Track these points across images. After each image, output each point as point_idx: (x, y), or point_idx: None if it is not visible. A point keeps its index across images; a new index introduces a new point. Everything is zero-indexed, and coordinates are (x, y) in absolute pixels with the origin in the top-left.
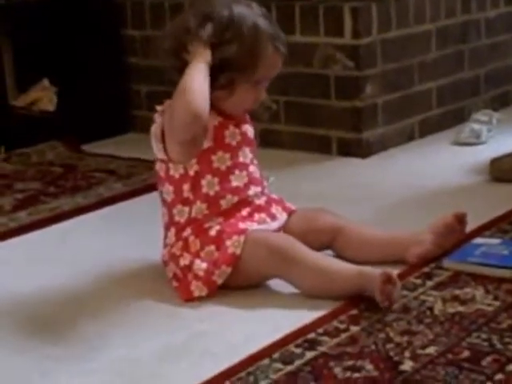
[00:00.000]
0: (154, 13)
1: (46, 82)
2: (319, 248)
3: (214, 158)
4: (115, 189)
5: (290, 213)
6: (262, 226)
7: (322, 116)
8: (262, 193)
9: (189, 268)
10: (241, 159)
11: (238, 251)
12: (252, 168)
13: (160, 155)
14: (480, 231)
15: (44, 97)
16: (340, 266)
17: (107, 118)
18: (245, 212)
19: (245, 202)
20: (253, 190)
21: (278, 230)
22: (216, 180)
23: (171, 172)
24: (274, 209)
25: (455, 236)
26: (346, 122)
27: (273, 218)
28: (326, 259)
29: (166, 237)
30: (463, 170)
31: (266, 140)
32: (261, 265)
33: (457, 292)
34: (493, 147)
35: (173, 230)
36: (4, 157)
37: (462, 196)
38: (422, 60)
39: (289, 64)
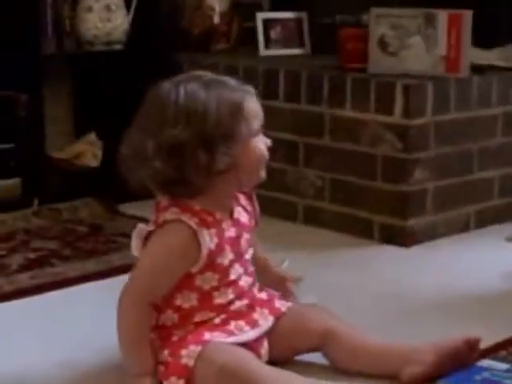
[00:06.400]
0: None
1: (92, 136)
2: (305, 351)
3: (198, 277)
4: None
5: (279, 315)
6: (232, 338)
7: (366, 198)
8: (250, 297)
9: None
10: (231, 277)
11: (192, 362)
12: (243, 281)
13: (137, 253)
14: (495, 350)
15: (88, 151)
16: None
17: None
18: (218, 319)
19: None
20: (237, 305)
21: (259, 337)
22: (194, 296)
23: None
24: (258, 313)
25: (461, 361)
26: (391, 206)
27: (253, 325)
28: (284, 380)
29: None
30: (510, 272)
31: (309, 217)
32: None
33: None
34: None
35: None
36: (35, 210)
37: (498, 305)
38: (485, 146)
39: (337, 139)
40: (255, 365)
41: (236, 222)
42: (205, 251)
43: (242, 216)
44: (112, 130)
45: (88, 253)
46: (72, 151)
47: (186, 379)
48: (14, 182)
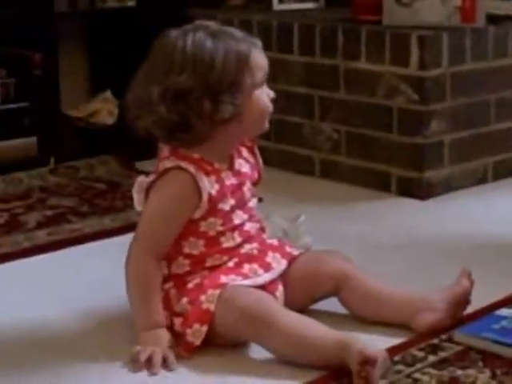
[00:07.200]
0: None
1: (108, 94)
2: (320, 297)
3: (202, 223)
4: None
5: (292, 259)
6: (248, 280)
7: (382, 150)
8: (259, 242)
9: (171, 329)
10: (235, 222)
11: (212, 307)
12: (247, 226)
13: (140, 208)
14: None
15: (104, 109)
16: (319, 333)
17: None
18: (232, 263)
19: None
20: (246, 248)
21: (274, 280)
22: (201, 242)
23: None
24: (271, 257)
25: (468, 302)
26: (408, 158)
27: (267, 268)
28: (304, 323)
29: None
30: None
31: (326, 170)
32: (231, 328)
33: (458, 373)
34: None
35: None
36: (51, 168)
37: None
38: (502, 96)
39: (352, 92)
40: (276, 308)
41: (237, 173)
42: (205, 196)
43: (243, 167)
44: (127, 87)
45: (105, 209)
46: (88, 109)
47: (208, 324)
48: (30, 141)
